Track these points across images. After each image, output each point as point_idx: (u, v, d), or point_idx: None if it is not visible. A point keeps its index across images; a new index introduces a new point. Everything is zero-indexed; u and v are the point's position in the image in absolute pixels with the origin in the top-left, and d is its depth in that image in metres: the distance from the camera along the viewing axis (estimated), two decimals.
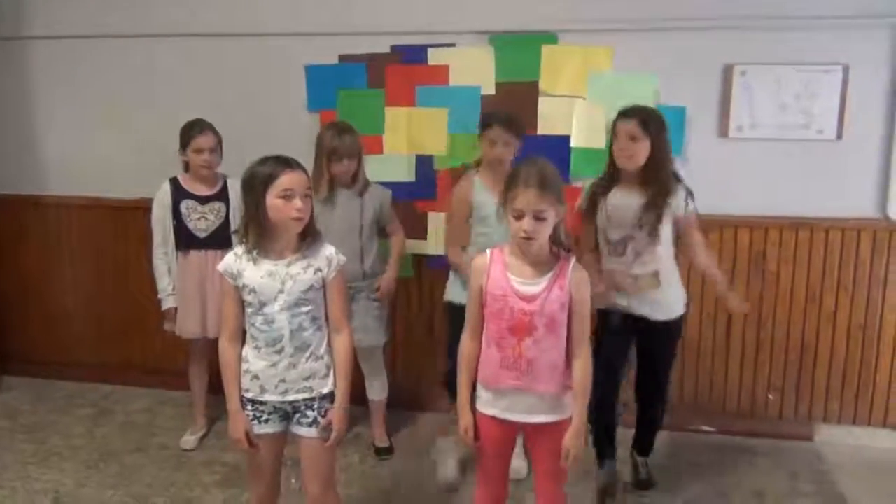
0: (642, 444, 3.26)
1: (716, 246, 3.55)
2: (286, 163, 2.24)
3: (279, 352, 2.30)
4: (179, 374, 3.73)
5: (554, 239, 2.23)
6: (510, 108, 3.54)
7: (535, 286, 2.21)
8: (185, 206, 3.38)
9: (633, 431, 3.27)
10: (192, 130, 3.32)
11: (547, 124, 3.60)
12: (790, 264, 3.54)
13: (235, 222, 3.26)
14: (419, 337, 3.88)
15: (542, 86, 3.58)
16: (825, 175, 3.45)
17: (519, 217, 2.16)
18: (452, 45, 3.63)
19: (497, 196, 3.01)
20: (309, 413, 2.35)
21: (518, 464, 3.10)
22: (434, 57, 3.65)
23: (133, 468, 3.40)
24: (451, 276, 3.30)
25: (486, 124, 3.12)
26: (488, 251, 2.31)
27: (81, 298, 4.24)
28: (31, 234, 4.25)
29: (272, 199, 2.20)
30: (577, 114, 3.56)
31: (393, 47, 3.67)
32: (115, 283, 4.16)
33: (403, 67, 3.67)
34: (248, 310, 2.32)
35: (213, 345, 3.27)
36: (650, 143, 2.83)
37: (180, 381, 3.75)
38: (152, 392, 4.12)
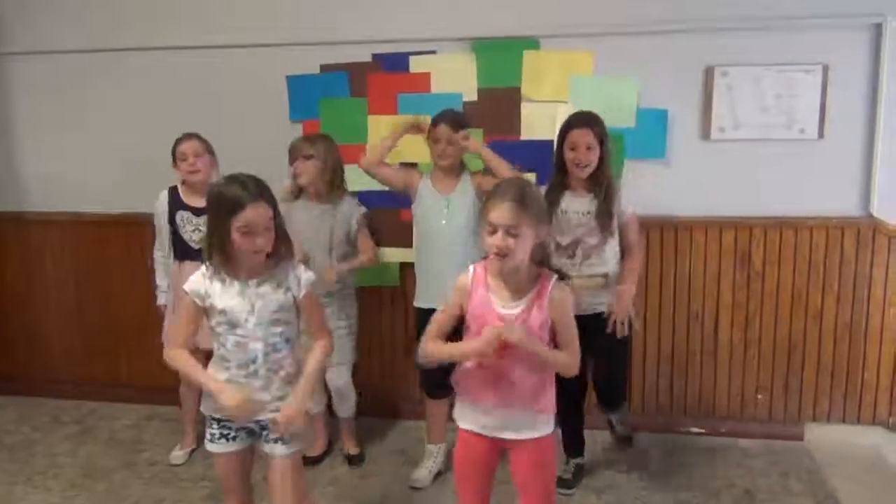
0: (607, 398, 3.27)
1: (700, 247, 3.57)
2: (250, 193, 2.17)
3: (253, 374, 2.27)
4: (165, 390, 3.69)
5: (539, 259, 2.21)
6: (493, 114, 3.58)
7: (515, 308, 2.18)
8: (180, 217, 3.37)
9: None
10: (177, 140, 3.33)
11: (530, 129, 3.60)
12: (775, 264, 3.55)
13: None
14: (408, 344, 3.84)
15: (524, 91, 3.58)
16: (808, 174, 3.47)
17: (492, 231, 2.12)
18: (434, 52, 3.63)
19: (441, 193, 3.18)
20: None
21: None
22: (416, 64, 3.65)
23: (120, 485, 3.35)
24: (419, 281, 3.30)
25: (432, 124, 3.18)
26: (471, 268, 2.27)
27: (64, 314, 4.19)
28: (12, 251, 4.20)
29: (234, 232, 2.17)
30: (559, 118, 3.53)
31: (374, 55, 3.66)
32: (97, 299, 4.12)
33: (385, 76, 3.66)
34: (218, 330, 2.28)
35: (205, 359, 3.31)
36: (599, 150, 2.97)
37: (165, 396, 3.72)
38: (137, 408, 4.07)
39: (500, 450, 2.31)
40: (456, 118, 3.19)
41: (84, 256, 4.11)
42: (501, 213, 2.10)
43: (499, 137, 3.59)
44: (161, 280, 3.47)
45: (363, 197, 3.46)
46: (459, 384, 2.30)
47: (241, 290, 2.25)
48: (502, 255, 2.11)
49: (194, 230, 3.35)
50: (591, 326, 2.93)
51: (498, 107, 3.58)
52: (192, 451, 3.59)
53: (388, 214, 3.63)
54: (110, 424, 3.95)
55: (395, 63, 3.65)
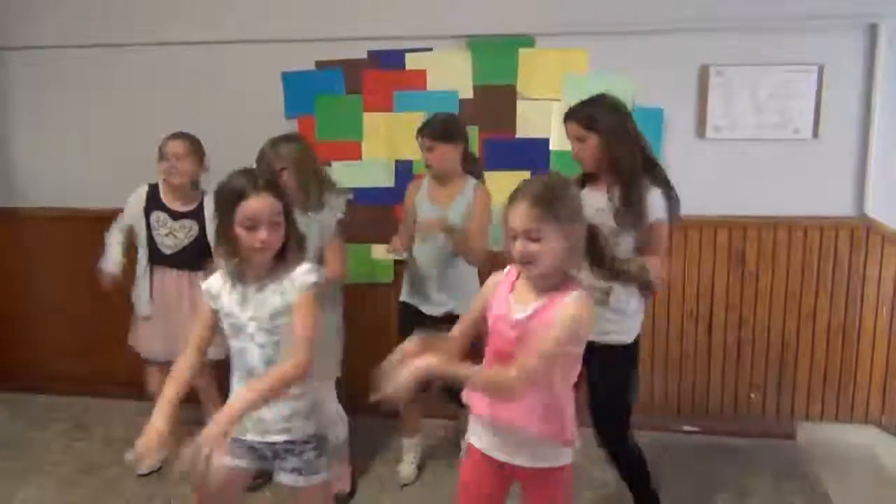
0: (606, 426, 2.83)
1: (695, 246, 3.58)
2: (254, 183, 2.05)
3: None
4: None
5: (575, 264, 1.96)
6: (488, 112, 3.58)
7: (527, 310, 1.96)
8: (156, 217, 3.25)
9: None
10: (165, 138, 3.23)
11: (525, 127, 3.60)
12: (769, 263, 3.56)
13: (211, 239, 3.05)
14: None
15: (519, 89, 3.58)
16: (802, 174, 3.47)
17: (513, 237, 1.92)
18: (430, 49, 3.62)
19: (433, 204, 3.09)
20: (290, 459, 2.17)
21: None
22: (411, 62, 3.64)
23: (114, 482, 3.35)
24: (405, 277, 3.29)
25: (417, 131, 3.08)
26: (508, 267, 2.07)
27: (58, 311, 4.18)
28: (6, 247, 4.19)
29: (237, 227, 2.04)
30: (555, 116, 3.56)
31: (370, 52, 3.66)
32: (92, 295, 4.10)
33: (381, 73, 3.66)
34: (227, 335, 2.16)
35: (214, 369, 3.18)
36: (600, 139, 2.57)
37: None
38: (131, 405, 4.05)
39: (508, 478, 2.12)
40: (435, 130, 3.03)
41: (79, 252, 4.07)
42: (518, 216, 1.90)
43: (494, 135, 3.60)
44: (113, 252, 3.25)
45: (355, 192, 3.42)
46: (466, 394, 2.12)
47: (244, 294, 2.11)
48: (525, 262, 1.91)
49: (168, 234, 3.23)
50: (598, 358, 2.48)
51: (493, 104, 3.59)
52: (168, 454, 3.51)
53: (382, 211, 3.62)
54: (105, 421, 3.94)
55: (391, 60, 3.65)
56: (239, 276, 2.12)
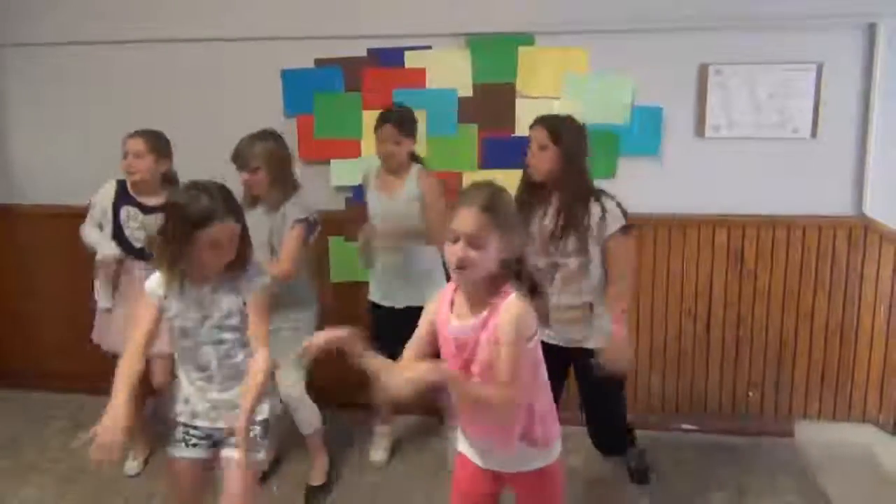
0: (606, 445, 3.13)
1: (693, 245, 3.58)
2: (218, 210, 2.10)
3: (209, 379, 2.25)
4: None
5: (515, 275, 1.95)
6: (487, 110, 3.59)
7: (467, 329, 1.94)
8: (126, 212, 3.24)
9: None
10: (126, 135, 3.22)
11: (524, 126, 3.54)
12: (767, 262, 3.57)
13: None
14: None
15: (518, 87, 3.58)
16: (801, 173, 3.48)
17: (454, 240, 1.89)
18: (429, 47, 3.62)
19: (381, 193, 3.17)
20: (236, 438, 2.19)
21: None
22: (411, 60, 3.64)
23: (112, 480, 3.34)
24: (371, 275, 3.36)
25: (379, 121, 3.13)
26: (447, 284, 2.08)
27: (55, 308, 4.17)
28: (3, 245, 4.18)
29: (200, 245, 2.10)
30: None
31: (369, 50, 3.65)
32: (88, 292, 4.09)
33: (380, 71, 3.66)
34: (175, 334, 2.25)
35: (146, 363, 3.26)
36: (560, 153, 2.72)
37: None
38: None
39: (499, 481, 2.12)
40: (406, 125, 3.12)
41: (76, 250, 4.05)
42: (465, 220, 1.88)
43: (493, 133, 3.61)
44: (97, 237, 3.24)
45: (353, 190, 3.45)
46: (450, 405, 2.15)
47: (197, 297, 2.20)
48: (462, 266, 1.89)
49: (138, 227, 3.23)
50: (579, 365, 2.82)
51: (492, 102, 3.58)
52: (147, 457, 3.50)
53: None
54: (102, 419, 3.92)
55: (390, 58, 3.64)
56: (189, 279, 2.19)
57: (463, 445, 2.16)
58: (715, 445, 3.59)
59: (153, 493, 3.24)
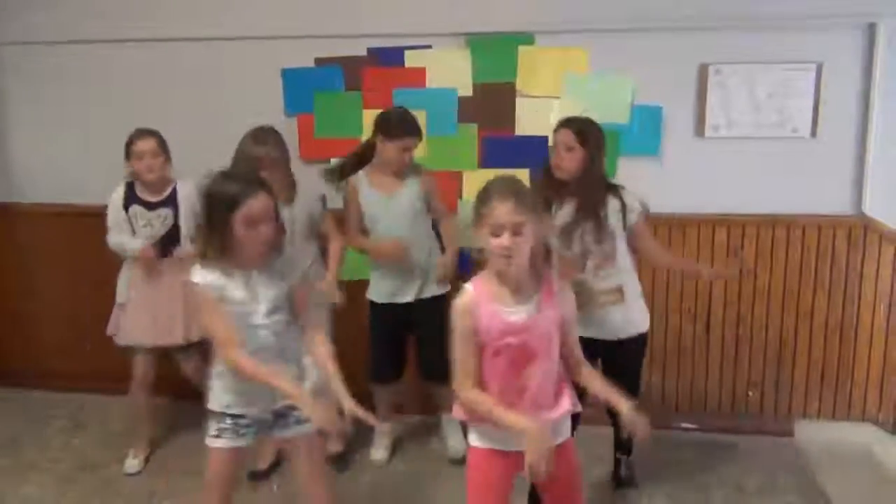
0: (622, 443, 3.22)
1: (693, 244, 3.58)
2: (249, 186, 2.19)
3: (264, 362, 2.26)
4: (156, 382, 3.66)
5: (542, 256, 2.11)
6: (487, 109, 3.59)
7: (525, 312, 2.08)
8: (133, 210, 3.32)
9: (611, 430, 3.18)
10: (131, 138, 3.28)
11: (525, 125, 3.60)
12: (767, 261, 3.57)
13: (188, 227, 3.22)
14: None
15: (518, 87, 3.58)
16: (800, 173, 3.48)
17: (497, 233, 2.02)
18: (429, 47, 3.62)
19: (378, 191, 3.20)
20: (294, 413, 2.33)
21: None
22: (411, 59, 3.64)
23: (112, 479, 3.35)
24: (371, 275, 3.37)
25: (401, 132, 3.12)
26: (469, 286, 2.14)
27: (55, 307, 4.17)
28: (2, 244, 4.18)
29: (237, 226, 2.16)
30: (554, 115, 3.55)
31: (370, 50, 3.65)
32: (88, 291, 4.10)
33: (380, 70, 3.66)
34: (234, 321, 2.26)
35: (159, 356, 3.40)
36: (586, 153, 2.82)
37: (157, 388, 3.68)
38: (129, 400, 4.05)
39: (517, 467, 2.11)
40: (417, 131, 3.17)
41: (76, 249, 4.08)
42: (505, 212, 2.00)
43: (493, 132, 3.61)
44: (127, 238, 3.32)
45: None
46: (470, 410, 2.17)
47: (246, 281, 2.25)
48: (509, 255, 2.02)
49: (145, 225, 3.31)
50: (609, 356, 2.92)
51: (492, 102, 3.59)
52: (147, 457, 3.51)
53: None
54: (102, 417, 3.93)
55: (390, 57, 3.64)
56: (233, 265, 2.23)
57: (479, 440, 2.20)
58: (715, 444, 3.59)
59: (153, 492, 3.24)
